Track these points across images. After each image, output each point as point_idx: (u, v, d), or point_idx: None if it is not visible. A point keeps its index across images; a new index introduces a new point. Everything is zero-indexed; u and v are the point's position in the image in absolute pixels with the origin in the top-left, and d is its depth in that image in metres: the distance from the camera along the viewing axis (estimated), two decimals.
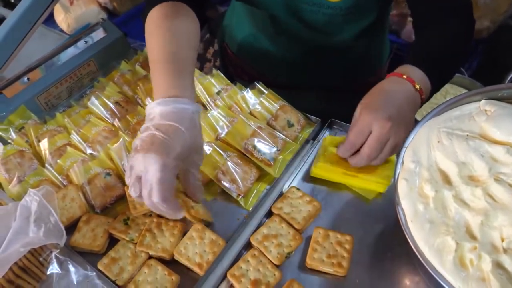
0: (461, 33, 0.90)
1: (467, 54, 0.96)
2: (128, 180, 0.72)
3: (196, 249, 0.76)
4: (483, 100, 0.73)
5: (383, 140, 0.76)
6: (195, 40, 0.87)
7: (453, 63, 0.91)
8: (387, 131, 0.75)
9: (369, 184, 0.85)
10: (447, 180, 0.67)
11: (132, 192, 0.71)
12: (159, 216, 0.82)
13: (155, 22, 0.86)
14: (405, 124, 0.77)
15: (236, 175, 0.85)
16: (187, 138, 0.72)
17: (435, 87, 0.84)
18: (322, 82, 1.19)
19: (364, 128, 0.76)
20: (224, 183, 0.85)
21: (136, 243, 0.78)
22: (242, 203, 0.84)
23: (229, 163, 0.86)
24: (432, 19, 0.91)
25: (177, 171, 0.72)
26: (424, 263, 0.61)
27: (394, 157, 0.87)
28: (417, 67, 0.82)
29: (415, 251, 0.62)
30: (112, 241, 0.81)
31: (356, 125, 0.77)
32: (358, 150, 0.79)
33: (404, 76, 0.80)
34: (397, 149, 0.78)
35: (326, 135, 0.98)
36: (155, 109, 0.74)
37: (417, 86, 0.79)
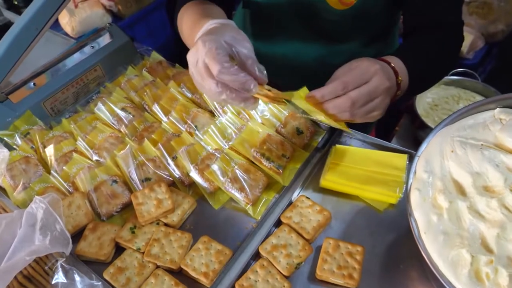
0: (449, 47, 0.92)
1: (450, 68, 0.98)
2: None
3: (202, 260, 0.77)
4: (497, 109, 0.73)
5: (375, 95, 0.74)
6: None
7: (435, 71, 0.93)
8: (383, 90, 0.74)
9: (380, 197, 0.85)
10: (461, 191, 0.67)
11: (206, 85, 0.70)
12: (167, 225, 0.83)
13: (186, 12, 0.90)
14: (386, 106, 0.77)
15: (244, 183, 0.85)
16: (229, 28, 0.73)
17: (411, 90, 0.86)
18: None
19: (365, 74, 0.74)
20: (232, 192, 0.85)
21: (143, 252, 0.79)
22: (250, 212, 0.85)
23: (237, 171, 0.87)
24: (424, 31, 0.93)
25: (227, 48, 0.70)
26: (439, 277, 0.61)
27: (405, 165, 0.87)
28: (402, 61, 0.83)
29: (429, 264, 0.62)
30: (119, 250, 0.82)
31: (358, 68, 0.75)
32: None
33: (392, 64, 0.81)
34: (371, 117, 0.77)
35: (335, 143, 0.98)
36: (196, 38, 0.76)
37: (400, 79, 0.80)
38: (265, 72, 0.71)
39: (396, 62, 0.83)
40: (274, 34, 1.10)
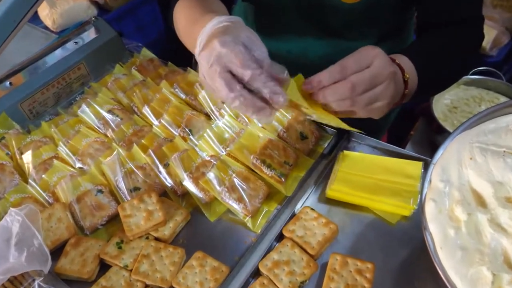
0: (467, 44, 0.93)
1: (468, 67, 0.99)
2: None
3: (196, 278, 0.77)
4: None
5: (378, 80, 0.74)
6: None
7: (450, 70, 0.93)
8: (387, 75, 0.74)
9: (392, 208, 0.86)
10: (481, 202, 0.68)
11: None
12: (158, 239, 0.84)
13: (184, 5, 0.91)
14: (392, 96, 0.77)
15: (243, 193, 0.86)
16: (242, 27, 0.73)
17: (421, 90, 0.86)
18: None
19: (367, 58, 0.75)
20: (230, 202, 0.86)
21: (131, 270, 0.80)
22: (249, 225, 0.86)
23: (235, 179, 0.88)
24: (439, 27, 0.94)
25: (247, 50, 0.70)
26: None
27: (420, 174, 0.88)
28: (408, 59, 0.84)
29: (446, 282, 0.63)
30: (104, 267, 0.82)
31: (356, 53, 0.76)
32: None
33: (397, 61, 0.82)
34: (376, 108, 0.77)
35: (343, 149, 0.99)
36: (202, 35, 0.75)
37: (407, 76, 0.81)
38: (286, 72, 0.72)
39: (401, 59, 0.84)
40: (278, 30, 1.11)
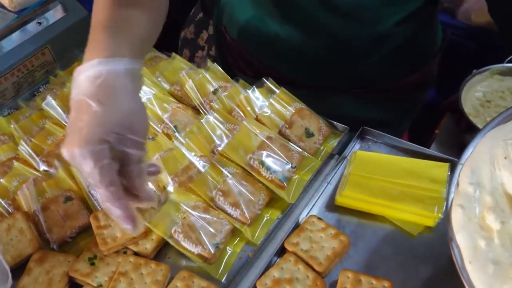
0: None
1: None
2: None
3: None
4: None
5: None
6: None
7: None
8: None
9: (414, 217, 0.88)
10: None
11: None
12: (137, 254, 0.85)
13: None
14: None
15: (239, 197, 0.88)
16: (122, 92, 0.70)
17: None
18: (351, 80, 1.22)
19: None
20: (224, 207, 0.88)
21: None
22: (247, 235, 0.87)
23: (230, 181, 0.89)
24: None
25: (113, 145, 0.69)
26: None
27: (446, 177, 0.89)
28: None
29: None
30: (76, 284, 0.83)
31: None
32: None
33: None
34: None
35: (356, 148, 1.01)
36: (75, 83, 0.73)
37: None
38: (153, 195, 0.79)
39: None
40: (277, 8, 1.12)
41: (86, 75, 0.70)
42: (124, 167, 0.70)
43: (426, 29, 1.22)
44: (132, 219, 0.69)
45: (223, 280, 0.83)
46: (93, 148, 0.65)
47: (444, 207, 0.85)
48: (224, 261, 0.85)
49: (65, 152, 0.67)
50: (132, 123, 0.70)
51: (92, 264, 0.84)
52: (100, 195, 0.68)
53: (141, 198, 0.72)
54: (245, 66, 1.30)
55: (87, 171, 0.66)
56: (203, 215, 0.86)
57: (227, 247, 0.87)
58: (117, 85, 0.70)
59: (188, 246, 0.83)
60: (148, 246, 0.85)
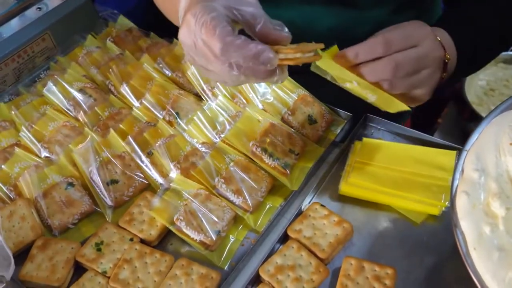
0: (510, 13, 0.93)
1: (510, 42, 0.99)
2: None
3: None
4: None
5: (424, 64, 0.76)
6: None
7: (491, 44, 0.94)
8: (434, 60, 0.76)
9: (418, 206, 0.87)
10: None
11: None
12: (143, 242, 0.85)
13: None
14: (434, 85, 0.79)
15: (242, 184, 0.88)
16: None
17: (459, 69, 0.87)
18: None
19: (414, 34, 0.76)
20: (227, 195, 0.88)
21: (109, 277, 0.81)
22: (250, 222, 0.87)
23: (233, 169, 0.89)
24: None
25: (226, 13, 0.70)
26: None
27: (453, 165, 0.89)
28: (448, 33, 0.85)
29: None
30: (78, 271, 0.84)
31: (407, 26, 0.77)
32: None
33: (438, 38, 0.83)
34: (415, 96, 0.78)
35: (359, 136, 1.00)
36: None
37: (448, 57, 0.82)
38: (285, 29, 0.72)
39: (441, 34, 0.84)
40: None
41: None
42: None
43: (427, 17, 1.21)
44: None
45: (225, 268, 0.83)
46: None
47: (450, 193, 0.85)
48: (227, 249, 0.85)
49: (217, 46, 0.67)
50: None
51: (99, 249, 0.84)
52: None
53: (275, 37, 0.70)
54: None
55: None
56: (205, 202, 0.86)
57: (230, 235, 0.87)
58: None
59: (190, 233, 0.83)
60: (152, 232, 0.86)
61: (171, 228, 0.85)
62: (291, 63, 0.72)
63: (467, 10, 0.95)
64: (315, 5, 1.08)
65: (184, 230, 0.84)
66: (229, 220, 0.86)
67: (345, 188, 0.90)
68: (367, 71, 0.75)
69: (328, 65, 0.77)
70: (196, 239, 0.83)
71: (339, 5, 1.06)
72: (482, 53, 0.96)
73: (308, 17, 1.11)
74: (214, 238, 0.83)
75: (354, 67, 0.77)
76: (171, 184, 0.89)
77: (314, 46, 0.73)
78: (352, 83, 0.77)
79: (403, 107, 0.79)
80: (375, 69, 0.75)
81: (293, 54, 0.71)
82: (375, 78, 0.75)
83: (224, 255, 0.85)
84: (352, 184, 0.90)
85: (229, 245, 0.86)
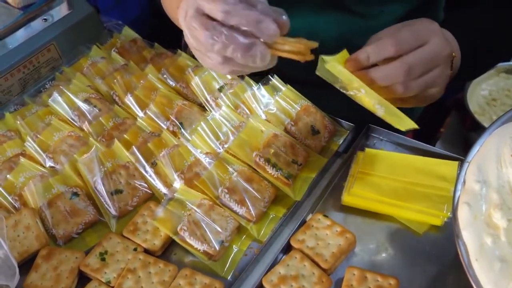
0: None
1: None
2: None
3: None
4: None
5: (435, 62, 0.76)
6: None
7: (493, 49, 0.94)
8: (444, 57, 0.76)
9: (420, 216, 0.88)
10: None
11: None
12: (147, 251, 0.86)
13: None
14: (445, 83, 0.79)
15: (245, 194, 0.88)
16: None
17: (461, 72, 0.87)
18: None
19: (420, 33, 0.76)
20: (230, 205, 0.88)
21: (113, 287, 0.81)
22: (253, 232, 0.87)
23: (236, 179, 0.90)
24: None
25: None
26: None
27: (455, 176, 0.89)
28: (451, 33, 0.85)
29: None
30: (82, 281, 0.84)
31: (414, 25, 0.77)
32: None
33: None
34: (429, 96, 0.78)
35: (361, 146, 1.01)
36: None
37: (453, 54, 0.82)
38: (285, 16, 0.72)
39: (446, 32, 0.84)
40: (281, 3, 1.12)
41: None
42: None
43: None
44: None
45: (228, 278, 0.83)
46: None
47: (451, 205, 0.86)
48: (230, 259, 0.86)
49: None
50: None
51: (103, 259, 0.84)
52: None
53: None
54: None
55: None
56: (209, 213, 0.87)
57: (233, 245, 0.87)
58: None
59: (194, 243, 0.84)
60: (156, 242, 0.86)
61: (174, 238, 0.85)
62: (282, 54, 0.73)
63: (468, 13, 0.95)
64: (322, 14, 1.09)
65: (188, 240, 0.84)
66: (232, 230, 0.86)
67: (347, 198, 0.91)
68: (379, 76, 0.75)
69: (337, 69, 0.76)
70: (199, 249, 0.84)
71: (346, 14, 1.07)
72: (483, 55, 0.95)
73: (312, 26, 1.12)
74: (217, 248, 0.83)
75: (365, 73, 0.76)
76: (175, 194, 0.90)
77: (308, 44, 0.74)
78: (360, 91, 0.76)
79: (412, 125, 0.78)
80: (387, 73, 0.74)
81: (282, 45, 0.72)
82: (388, 82, 0.75)
83: (227, 265, 0.85)
84: (355, 194, 0.90)
85: (232, 255, 0.86)
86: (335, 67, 0.76)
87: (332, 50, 1.14)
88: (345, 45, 1.12)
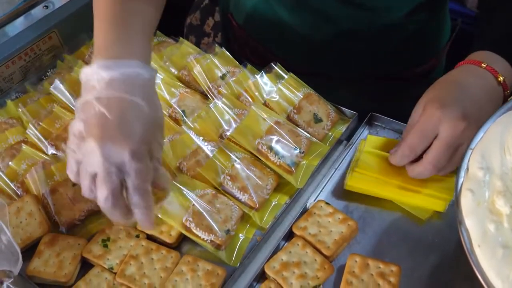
0: None
1: None
2: (74, 178, 0.76)
3: (188, 285, 0.80)
4: None
5: (454, 144, 0.79)
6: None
7: None
8: (460, 133, 0.78)
9: (424, 201, 0.88)
10: None
11: (87, 195, 0.74)
12: (150, 238, 0.86)
13: None
14: (477, 127, 0.79)
15: (247, 182, 0.89)
16: (146, 114, 0.75)
17: None
18: (359, 69, 1.22)
19: (429, 128, 0.80)
20: (233, 192, 0.88)
21: (115, 273, 0.82)
22: (256, 219, 0.88)
23: (238, 166, 0.90)
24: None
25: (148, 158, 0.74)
26: None
27: None
28: (496, 53, 0.85)
29: (484, 285, 0.65)
30: (85, 267, 0.85)
31: (418, 124, 0.81)
32: (418, 157, 0.83)
33: (483, 65, 0.84)
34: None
35: (364, 134, 1.01)
36: (96, 75, 0.74)
37: (501, 78, 0.83)
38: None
39: (487, 57, 0.85)
40: None
41: (104, 76, 0.74)
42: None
43: (436, 21, 1.21)
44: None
45: (237, 266, 0.84)
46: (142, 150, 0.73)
47: (454, 191, 0.86)
48: (237, 247, 0.86)
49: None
50: (154, 135, 0.77)
51: (105, 246, 0.85)
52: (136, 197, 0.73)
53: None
54: (251, 54, 1.30)
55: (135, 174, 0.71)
56: (213, 202, 0.87)
57: (239, 234, 0.88)
58: (139, 96, 0.75)
59: (200, 234, 0.84)
60: (173, 233, 0.86)
61: (181, 230, 0.85)
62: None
63: (500, 21, 0.94)
64: (329, 8, 1.08)
65: (194, 231, 0.84)
66: (237, 219, 0.86)
67: (350, 182, 0.91)
68: (413, 175, 0.85)
69: (358, 188, 0.91)
70: (206, 240, 0.84)
71: (353, 8, 1.07)
72: None
73: (322, 20, 1.11)
74: (224, 238, 0.83)
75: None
76: (177, 185, 0.90)
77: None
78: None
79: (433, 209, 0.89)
80: (419, 173, 0.84)
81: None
82: (422, 177, 0.85)
83: (235, 253, 0.85)
84: (356, 178, 0.90)
85: (239, 243, 0.87)
86: (354, 188, 0.91)
87: (339, 45, 1.14)
88: (352, 40, 1.12)
